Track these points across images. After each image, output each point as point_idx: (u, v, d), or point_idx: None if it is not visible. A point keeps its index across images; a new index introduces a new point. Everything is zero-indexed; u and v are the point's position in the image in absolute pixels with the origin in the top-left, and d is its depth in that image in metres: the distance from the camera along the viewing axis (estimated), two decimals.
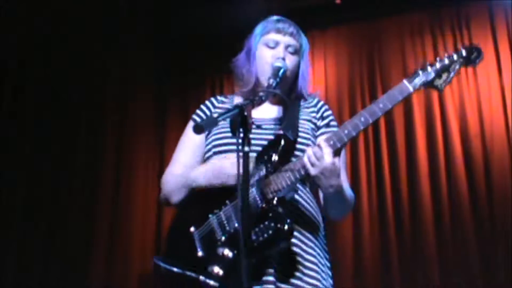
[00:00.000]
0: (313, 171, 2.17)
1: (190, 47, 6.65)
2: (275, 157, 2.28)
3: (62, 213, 5.88)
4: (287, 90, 2.56)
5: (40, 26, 5.82)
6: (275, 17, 2.67)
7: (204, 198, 2.41)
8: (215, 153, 2.48)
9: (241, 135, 1.94)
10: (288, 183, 2.23)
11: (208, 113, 2.63)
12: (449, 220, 5.41)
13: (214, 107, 2.65)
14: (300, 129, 2.43)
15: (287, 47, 2.55)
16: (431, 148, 5.66)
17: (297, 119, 2.47)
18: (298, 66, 2.60)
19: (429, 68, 2.20)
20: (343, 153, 2.44)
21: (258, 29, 2.65)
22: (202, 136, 2.52)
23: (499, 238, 5.20)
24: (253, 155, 2.26)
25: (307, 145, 2.39)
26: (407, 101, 5.75)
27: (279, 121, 2.49)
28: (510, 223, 5.13)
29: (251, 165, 2.22)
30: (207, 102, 2.68)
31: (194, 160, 2.56)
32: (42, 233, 5.76)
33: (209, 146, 2.51)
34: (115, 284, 5.82)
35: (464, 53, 2.21)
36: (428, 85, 2.22)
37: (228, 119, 1.99)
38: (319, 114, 2.56)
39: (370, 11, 6.14)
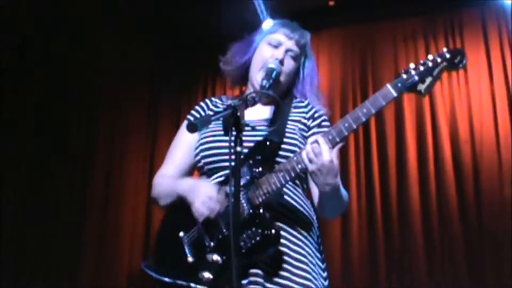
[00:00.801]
0: (310, 167, 2.15)
1: (183, 47, 6.65)
2: (260, 161, 2.28)
3: (53, 211, 5.87)
4: (280, 93, 2.55)
5: (39, 26, 5.80)
6: (287, 20, 2.68)
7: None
8: (203, 157, 2.47)
9: (234, 134, 1.95)
10: (282, 182, 2.22)
11: (202, 114, 2.63)
12: (437, 224, 5.44)
13: (208, 108, 2.64)
14: (287, 130, 2.42)
15: (288, 51, 2.56)
16: (421, 152, 5.70)
17: (285, 120, 2.46)
18: (295, 72, 2.60)
19: (412, 72, 2.16)
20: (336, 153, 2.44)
21: (266, 26, 2.66)
22: (195, 136, 2.50)
23: (486, 241, 5.24)
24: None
25: (294, 145, 2.39)
26: (398, 106, 5.79)
27: (270, 122, 2.48)
28: (498, 227, 5.19)
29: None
30: (201, 103, 2.68)
31: (187, 160, 2.57)
32: (32, 232, 5.75)
33: (197, 144, 2.50)
34: (104, 282, 5.81)
35: (447, 55, 2.16)
36: (412, 89, 2.16)
37: (221, 119, 1.99)
38: (309, 114, 2.54)
39: (364, 14, 6.16)
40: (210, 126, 2.29)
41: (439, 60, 2.16)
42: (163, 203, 2.52)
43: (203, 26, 6.29)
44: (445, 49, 2.19)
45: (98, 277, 5.86)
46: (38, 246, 5.74)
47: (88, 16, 5.90)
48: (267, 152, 2.31)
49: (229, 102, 2.48)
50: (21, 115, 5.93)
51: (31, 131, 5.94)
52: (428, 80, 2.15)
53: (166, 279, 2.27)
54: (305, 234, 2.39)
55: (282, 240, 2.27)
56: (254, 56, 2.59)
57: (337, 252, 5.62)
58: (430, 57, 2.18)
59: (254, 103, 2.25)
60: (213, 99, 2.70)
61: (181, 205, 2.40)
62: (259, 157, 2.29)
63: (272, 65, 2.46)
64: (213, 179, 2.43)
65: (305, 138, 2.47)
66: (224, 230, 2.23)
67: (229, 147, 1.92)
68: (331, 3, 6.03)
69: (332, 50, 6.34)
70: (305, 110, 2.56)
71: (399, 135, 5.80)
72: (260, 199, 2.22)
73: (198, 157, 2.49)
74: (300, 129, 2.48)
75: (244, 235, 2.16)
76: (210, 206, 2.22)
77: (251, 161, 2.29)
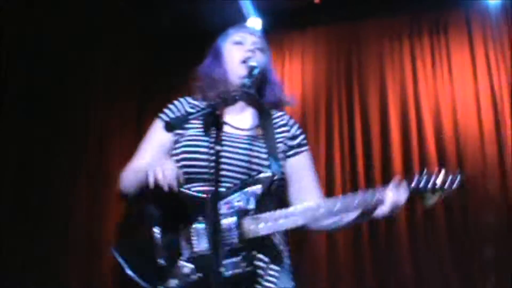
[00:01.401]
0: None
1: (173, 46, 6.64)
2: (263, 197, 2.26)
3: (43, 213, 5.84)
4: (258, 90, 2.50)
5: (25, 27, 5.77)
6: (240, 24, 2.69)
7: (176, 203, 2.26)
8: (185, 152, 2.38)
9: (213, 134, 1.93)
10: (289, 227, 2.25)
11: (176, 112, 2.55)
12: (422, 223, 5.47)
13: (183, 107, 2.56)
14: (281, 162, 2.41)
15: (254, 44, 2.54)
16: (406, 151, 5.73)
17: (274, 142, 2.43)
18: (265, 68, 2.53)
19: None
20: (308, 155, 2.50)
21: (222, 36, 2.63)
22: (169, 135, 2.44)
23: (471, 235, 5.29)
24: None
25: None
26: (382, 102, 5.86)
27: (256, 132, 2.44)
28: (482, 221, 5.26)
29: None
30: (176, 102, 2.60)
31: (157, 160, 2.38)
32: (22, 233, 5.71)
33: (179, 147, 2.41)
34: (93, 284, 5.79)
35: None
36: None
37: (200, 119, 1.96)
38: (290, 134, 2.52)
39: (350, 13, 6.15)
40: (191, 127, 2.31)
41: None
42: (131, 189, 2.40)
43: (185, 26, 6.28)
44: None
45: (86, 279, 5.82)
46: (22, 249, 5.69)
47: (71, 15, 5.86)
48: (271, 187, 2.30)
49: (206, 102, 2.45)
50: (3, 115, 5.88)
51: (12, 132, 5.89)
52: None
53: (133, 275, 2.18)
54: (280, 262, 2.38)
55: (260, 271, 2.27)
56: (226, 62, 2.54)
57: (323, 257, 5.67)
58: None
59: (234, 102, 2.23)
60: (188, 98, 2.62)
61: (161, 200, 2.28)
62: (261, 191, 2.26)
63: (253, 63, 2.41)
64: (194, 186, 2.33)
65: (287, 158, 2.47)
66: (207, 245, 2.18)
67: (209, 144, 1.91)
68: (317, 1, 6.00)
69: (317, 48, 6.35)
70: (286, 128, 2.52)
71: (384, 133, 5.84)
72: (255, 235, 2.20)
73: (179, 158, 2.38)
74: (283, 151, 2.47)
75: (228, 261, 2.13)
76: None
77: (249, 190, 2.26)
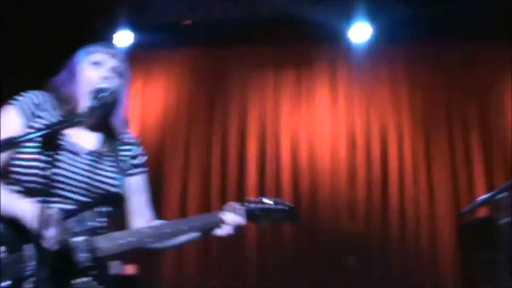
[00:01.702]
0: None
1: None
2: (112, 215, 2.26)
3: None
4: (106, 114, 2.37)
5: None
6: (103, 42, 2.56)
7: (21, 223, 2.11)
8: (20, 174, 2.17)
9: (50, 154, 1.90)
10: (143, 245, 2.25)
11: (28, 106, 2.28)
12: (272, 251, 5.59)
13: (39, 103, 2.31)
14: (125, 179, 2.39)
15: (113, 68, 2.42)
16: (261, 181, 5.85)
17: (119, 160, 2.37)
18: (117, 93, 2.40)
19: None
20: (146, 177, 2.47)
21: (82, 52, 2.49)
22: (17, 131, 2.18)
23: (319, 270, 5.44)
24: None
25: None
26: (242, 132, 5.95)
27: (101, 150, 2.34)
28: (333, 255, 5.48)
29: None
30: (34, 95, 2.34)
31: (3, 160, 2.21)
32: None
33: (16, 168, 2.20)
34: None
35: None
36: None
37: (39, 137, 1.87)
38: (132, 153, 2.46)
39: (217, 38, 6.12)
40: (28, 146, 2.12)
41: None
42: None
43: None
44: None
45: None
46: None
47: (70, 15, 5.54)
48: (115, 206, 2.30)
49: (53, 118, 2.29)
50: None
51: None
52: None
53: None
54: None
55: None
56: (80, 82, 2.36)
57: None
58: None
59: (78, 124, 2.12)
60: (44, 96, 2.36)
61: (12, 221, 2.11)
62: (110, 209, 2.26)
63: (102, 85, 2.31)
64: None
65: (127, 175, 2.42)
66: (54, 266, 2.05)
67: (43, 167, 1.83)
68: (187, 22, 5.95)
69: (183, 69, 6.32)
70: (129, 147, 2.45)
71: (241, 160, 5.93)
72: (106, 253, 2.14)
73: (16, 176, 2.20)
74: (124, 169, 2.41)
75: (79, 281, 2.06)
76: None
77: (98, 208, 2.22)
